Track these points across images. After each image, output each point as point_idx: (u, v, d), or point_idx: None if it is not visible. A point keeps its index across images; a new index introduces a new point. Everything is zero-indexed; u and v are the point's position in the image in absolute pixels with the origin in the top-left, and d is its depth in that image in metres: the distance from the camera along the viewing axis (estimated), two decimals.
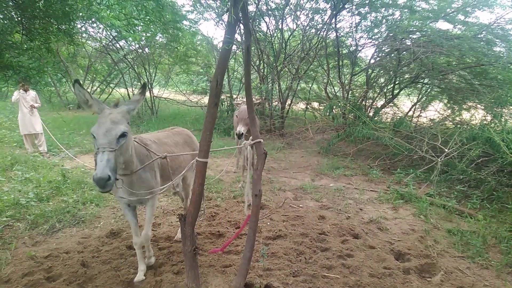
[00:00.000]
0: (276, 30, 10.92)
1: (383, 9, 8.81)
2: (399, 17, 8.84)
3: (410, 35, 8.34)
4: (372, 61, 9.81)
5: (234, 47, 9.77)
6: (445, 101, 9.08)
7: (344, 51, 10.18)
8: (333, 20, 9.04)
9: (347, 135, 8.08)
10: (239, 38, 9.83)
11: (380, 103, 10.31)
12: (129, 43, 13.14)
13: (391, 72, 9.44)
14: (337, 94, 11.11)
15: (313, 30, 10.31)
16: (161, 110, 14.30)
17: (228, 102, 12.33)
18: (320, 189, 5.78)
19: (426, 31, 7.93)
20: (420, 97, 10.06)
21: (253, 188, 2.68)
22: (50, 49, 3.79)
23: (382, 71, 10.07)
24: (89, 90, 15.94)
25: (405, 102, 11.11)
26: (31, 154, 6.96)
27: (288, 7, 9.95)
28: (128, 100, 2.53)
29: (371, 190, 5.80)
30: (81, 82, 2.31)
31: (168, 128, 3.89)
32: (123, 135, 2.27)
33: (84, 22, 9.19)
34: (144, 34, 10.61)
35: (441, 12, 7.93)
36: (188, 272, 2.61)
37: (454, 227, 4.19)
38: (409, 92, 10.78)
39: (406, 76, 9.61)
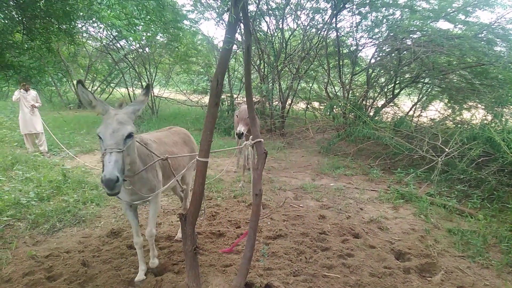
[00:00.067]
0: (276, 30, 10.92)
1: (384, 8, 8.80)
2: (400, 17, 8.83)
3: (411, 35, 8.34)
4: (373, 60, 9.81)
5: (234, 46, 9.76)
6: (446, 100, 9.07)
7: (344, 51, 10.18)
8: (334, 20, 9.03)
9: (347, 134, 8.08)
10: (239, 38, 9.84)
11: (380, 102, 10.31)
12: (129, 42, 13.15)
13: (392, 71, 9.44)
14: (337, 93, 11.11)
15: (314, 30, 10.30)
16: (161, 109, 14.31)
17: (229, 101, 12.34)
18: (320, 188, 5.78)
19: (426, 30, 7.92)
20: (420, 96, 10.06)
21: (254, 188, 2.69)
22: (51, 48, 3.80)
23: (382, 71, 10.07)
24: (89, 90, 15.94)
25: (405, 102, 11.10)
26: (32, 153, 6.96)
27: (288, 7, 9.95)
28: (133, 101, 2.52)
29: (371, 190, 5.80)
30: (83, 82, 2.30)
31: (166, 127, 3.89)
32: (130, 135, 2.26)
33: (84, 21, 9.21)
34: (144, 34, 10.63)
35: (442, 11, 7.92)
36: (188, 272, 2.62)
37: (454, 226, 4.19)
38: (410, 92, 10.78)
39: (407, 75, 9.60)
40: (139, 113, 2.48)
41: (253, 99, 3.03)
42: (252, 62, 10.49)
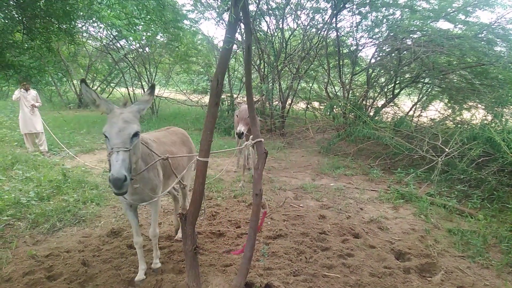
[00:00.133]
0: (276, 30, 10.92)
1: (384, 8, 8.80)
2: (400, 17, 8.83)
3: (411, 35, 8.33)
4: (373, 60, 9.81)
5: (234, 46, 9.77)
6: (446, 100, 9.07)
7: (344, 51, 10.18)
8: (334, 20, 9.03)
9: (347, 134, 8.08)
10: (239, 38, 9.84)
11: (380, 102, 10.31)
12: (129, 42, 13.16)
13: (392, 71, 9.44)
14: (337, 93, 11.12)
15: (314, 30, 10.30)
16: (161, 109, 14.31)
17: (229, 101, 12.34)
18: (320, 188, 5.78)
19: (426, 30, 7.92)
20: (420, 96, 10.05)
21: (254, 187, 2.68)
22: (51, 48, 3.80)
23: (382, 71, 10.07)
24: None
25: (405, 102, 11.11)
26: (32, 153, 6.96)
27: (288, 7, 9.95)
28: (138, 100, 2.52)
29: (371, 190, 5.80)
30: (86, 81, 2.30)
31: (164, 127, 3.89)
32: (136, 134, 2.26)
33: (84, 21, 9.22)
34: (144, 34, 10.64)
35: (442, 11, 7.92)
36: (188, 271, 2.62)
37: (454, 226, 4.19)
38: (410, 92, 10.78)
39: (407, 75, 9.60)
40: (144, 112, 2.48)
41: (253, 98, 3.03)
42: (252, 62, 10.48)
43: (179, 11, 10.18)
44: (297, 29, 11.15)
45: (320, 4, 9.39)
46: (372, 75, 10.19)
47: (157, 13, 5.90)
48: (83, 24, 10.51)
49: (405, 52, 8.62)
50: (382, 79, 10.50)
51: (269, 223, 4.23)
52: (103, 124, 2.26)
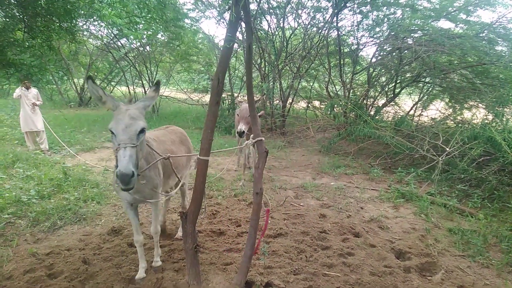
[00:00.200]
0: (277, 29, 10.90)
1: (385, 7, 8.77)
2: (401, 16, 8.80)
3: (412, 34, 8.32)
4: (374, 59, 9.79)
5: (235, 45, 9.77)
6: (447, 100, 9.07)
7: (345, 50, 10.16)
8: (335, 19, 9.02)
9: (348, 134, 8.08)
10: (240, 37, 9.82)
11: (381, 102, 10.29)
12: (130, 41, 13.17)
13: (393, 71, 9.43)
14: (338, 92, 11.11)
15: (315, 29, 10.28)
16: (162, 108, 14.31)
17: (229, 100, 12.33)
18: (321, 187, 5.78)
19: (427, 30, 7.91)
20: (421, 96, 10.04)
21: (254, 186, 2.69)
22: (52, 47, 3.80)
23: (383, 70, 10.06)
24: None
25: (406, 101, 11.10)
26: (33, 151, 6.97)
27: (289, 6, 9.93)
28: (143, 97, 2.53)
29: (372, 189, 5.80)
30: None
31: (162, 126, 3.89)
32: (143, 130, 2.27)
33: (85, 20, 9.22)
34: (145, 32, 10.63)
35: (443, 11, 7.90)
36: (189, 270, 2.62)
37: (455, 226, 4.19)
38: (411, 91, 10.77)
39: (408, 75, 9.59)
40: (149, 109, 2.49)
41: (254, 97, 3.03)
42: (253, 61, 10.47)
43: (180, 9, 10.19)
44: (298, 28, 11.14)
45: (321, 3, 9.38)
46: (373, 74, 10.18)
47: (158, 12, 5.90)
48: (84, 22, 10.53)
49: (406, 51, 8.61)
50: (383, 78, 10.48)
51: (269, 222, 4.24)
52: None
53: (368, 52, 15.05)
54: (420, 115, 9.88)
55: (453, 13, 7.87)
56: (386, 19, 9.13)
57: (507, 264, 3.37)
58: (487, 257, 3.50)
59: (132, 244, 3.39)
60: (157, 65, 14.28)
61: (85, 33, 12.83)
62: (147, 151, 2.72)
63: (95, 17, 7.70)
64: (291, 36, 11.02)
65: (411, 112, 10.01)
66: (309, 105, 11.77)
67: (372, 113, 9.55)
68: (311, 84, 12.09)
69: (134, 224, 2.93)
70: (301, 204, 4.97)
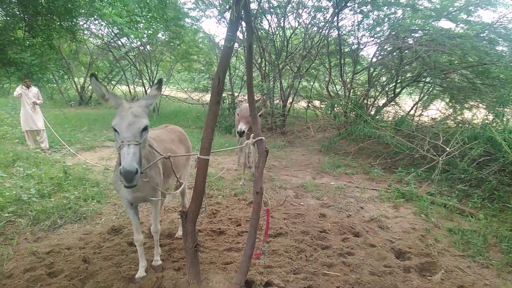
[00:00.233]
0: (278, 28, 10.89)
1: (386, 7, 8.76)
2: (402, 16, 8.80)
3: (412, 34, 8.31)
4: (374, 59, 9.79)
5: (236, 45, 9.76)
6: (447, 100, 9.06)
7: (346, 50, 10.16)
8: (335, 18, 9.02)
9: (348, 133, 8.08)
10: (241, 36, 9.82)
11: (381, 101, 10.29)
12: (131, 40, 13.16)
13: (393, 70, 9.42)
14: (338, 92, 11.11)
15: (315, 28, 10.27)
16: (162, 107, 14.31)
17: (230, 100, 12.34)
18: (321, 187, 5.79)
19: (428, 29, 7.90)
20: (422, 96, 10.03)
21: (255, 186, 2.69)
22: (52, 45, 3.80)
23: (384, 70, 10.05)
24: (90, 87, 15.99)
25: (406, 101, 11.09)
26: (33, 150, 6.97)
27: (290, 5, 9.93)
28: (146, 95, 2.53)
29: (372, 189, 5.80)
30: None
31: (161, 126, 3.89)
32: (146, 128, 2.28)
33: (86, 19, 9.22)
34: (146, 32, 10.61)
35: (444, 10, 7.89)
36: (189, 269, 2.63)
37: (455, 226, 4.19)
38: (411, 91, 10.76)
39: (408, 74, 9.58)
40: (152, 107, 2.49)
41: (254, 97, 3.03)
42: (253, 60, 10.47)
43: (180, 9, 10.17)
44: (299, 27, 11.14)
45: (321, 3, 9.38)
46: (374, 74, 10.17)
47: (158, 11, 5.90)
48: (85, 21, 10.52)
49: (406, 51, 8.60)
50: (384, 78, 10.47)
51: (269, 221, 4.23)
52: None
53: (369, 51, 15.07)
54: (420, 115, 9.87)
55: (453, 13, 7.87)
56: (386, 19, 9.13)
57: (507, 264, 3.37)
58: (487, 257, 3.51)
59: (132, 243, 3.39)
60: (158, 64, 14.29)
61: (86, 32, 12.81)
62: (148, 150, 2.72)
63: (95, 16, 7.68)
64: (292, 36, 11.02)
65: (412, 112, 10.00)
66: (310, 104, 11.77)
67: (372, 113, 9.55)
68: (312, 83, 12.08)
69: (134, 223, 2.93)
70: (301, 203, 4.97)
